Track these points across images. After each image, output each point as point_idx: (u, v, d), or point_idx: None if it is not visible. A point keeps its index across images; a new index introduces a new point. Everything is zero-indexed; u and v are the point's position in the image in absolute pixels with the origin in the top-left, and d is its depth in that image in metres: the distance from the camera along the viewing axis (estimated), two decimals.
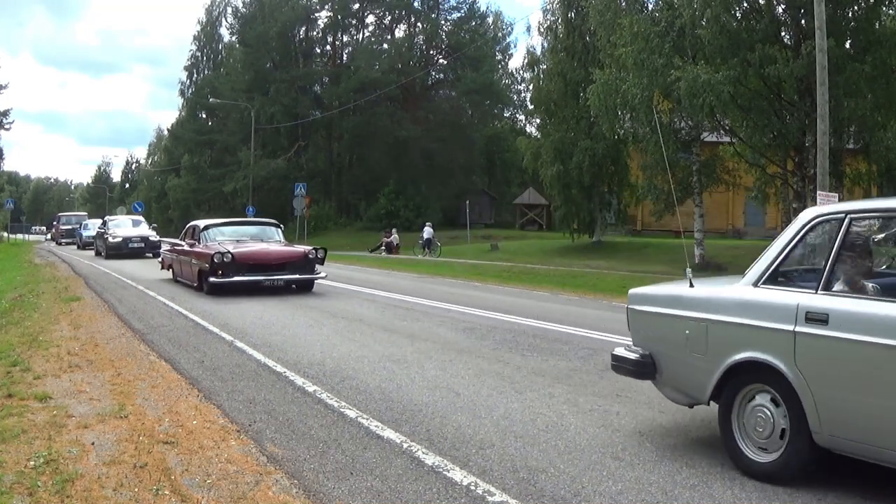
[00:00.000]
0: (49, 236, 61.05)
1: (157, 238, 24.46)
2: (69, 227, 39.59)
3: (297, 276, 12.82)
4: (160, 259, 16.75)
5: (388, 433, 4.55)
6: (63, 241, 38.74)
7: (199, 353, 7.30)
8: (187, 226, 15.34)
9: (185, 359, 6.98)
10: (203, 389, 5.75)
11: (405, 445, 4.31)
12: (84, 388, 5.69)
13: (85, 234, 31.09)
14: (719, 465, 3.96)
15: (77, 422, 4.75)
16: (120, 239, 23.60)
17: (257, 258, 12.69)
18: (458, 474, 3.83)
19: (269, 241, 13.90)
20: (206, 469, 3.92)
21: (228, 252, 12.25)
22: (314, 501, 3.53)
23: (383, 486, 3.70)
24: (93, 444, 4.30)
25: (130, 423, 4.76)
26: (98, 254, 25.08)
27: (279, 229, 14.77)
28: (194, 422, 4.81)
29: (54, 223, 46.50)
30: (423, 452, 4.17)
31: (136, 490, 3.61)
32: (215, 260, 12.05)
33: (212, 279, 12.11)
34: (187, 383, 5.96)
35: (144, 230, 25.53)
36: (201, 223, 14.73)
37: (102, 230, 25.39)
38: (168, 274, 15.77)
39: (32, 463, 3.92)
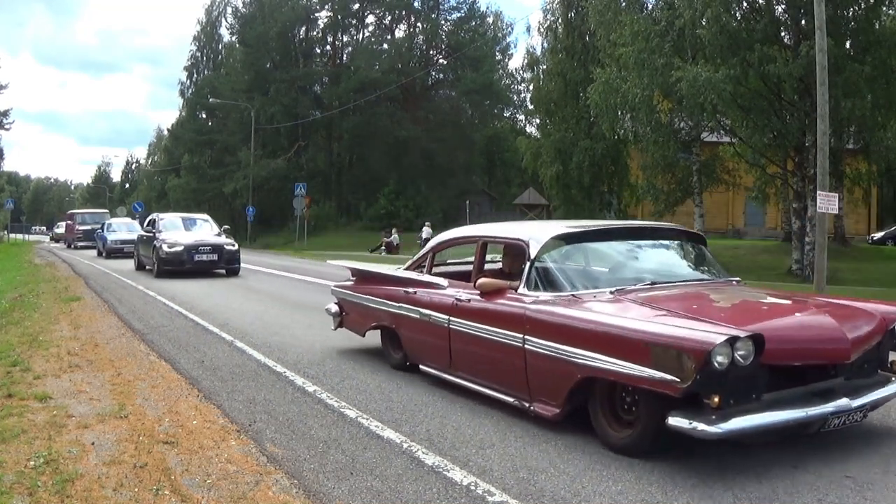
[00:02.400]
0: (51, 237, 60.45)
1: (236, 246, 17.14)
2: (86, 227, 33.59)
3: None
4: (335, 306, 7.43)
5: (388, 433, 4.55)
6: (79, 244, 33.07)
7: (199, 353, 7.30)
8: None
9: (185, 359, 6.98)
10: (203, 389, 5.75)
11: (405, 445, 4.31)
12: (84, 388, 5.69)
13: (110, 237, 24.67)
14: (719, 466, 3.95)
15: (77, 422, 4.75)
16: (181, 248, 16.14)
17: None
18: (458, 474, 3.83)
19: None
20: (206, 469, 3.92)
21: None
22: (314, 501, 3.53)
23: (383, 486, 3.70)
24: (93, 444, 4.30)
25: (130, 423, 4.76)
26: (141, 266, 18.16)
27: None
28: (194, 422, 4.81)
29: (67, 222, 39.98)
30: (423, 452, 4.17)
31: (136, 490, 3.61)
32: None
33: None
34: (187, 383, 5.96)
35: (213, 234, 17.77)
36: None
37: (150, 233, 17.64)
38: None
39: (32, 463, 3.92)
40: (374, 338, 7.72)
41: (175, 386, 5.85)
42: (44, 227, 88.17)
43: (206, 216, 19.69)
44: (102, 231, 26.04)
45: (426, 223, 33.69)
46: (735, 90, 17.07)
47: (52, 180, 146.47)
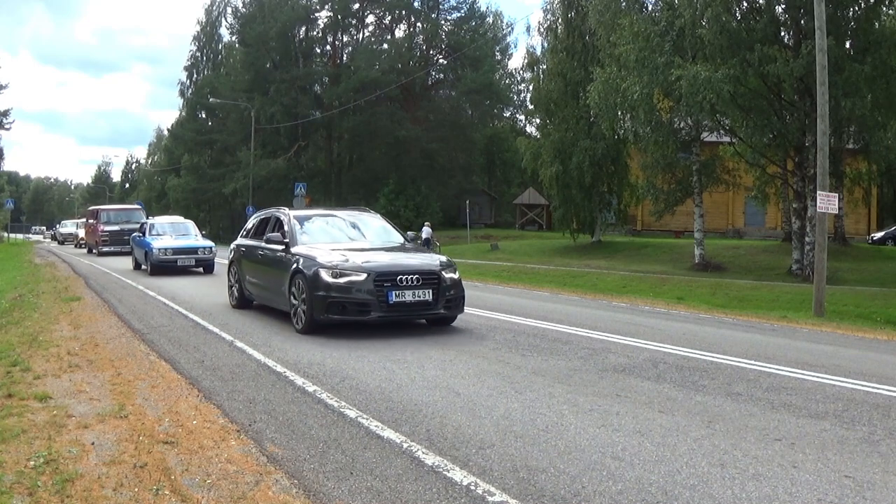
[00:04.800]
0: (52, 236, 59.54)
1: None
2: (113, 227, 26.75)
3: None
4: None
5: (388, 433, 4.55)
6: (104, 249, 26.24)
7: (199, 353, 7.30)
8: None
9: (185, 359, 6.97)
10: (203, 389, 5.74)
11: (405, 445, 4.30)
12: (84, 388, 5.68)
13: (156, 245, 17.35)
14: (719, 466, 3.96)
15: (77, 422, 4.75)
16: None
17: None
18: (458, 474, 3.83)
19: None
20: (206, 469, 3.92)
21: None
22: (314, 501, 3.53)
23: (383, 486, 3.70)
24: (93, 444, 4.30)
25: (130, 423, 4.76)
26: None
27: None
28: (194, 422, 4.81)
29: (88, 221, 31.19)
30: (423, 452, 4.17)
31: (136, 490, 3.61)
32: None
33: None
34: (187, 383, 5.95)
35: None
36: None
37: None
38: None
39: (32, 463, 3.92)
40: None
41: (175, 386, 5.85)
42: (44, 228, 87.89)
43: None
44: (143, 235, 18.55)
45: (426, 223, 33.71)
46: (735, 90, 17.08)
47: (52, 180, 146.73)
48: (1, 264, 22.78)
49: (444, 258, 8.89)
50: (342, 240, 9.47)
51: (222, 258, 17.00)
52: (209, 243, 18.57)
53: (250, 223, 11.34)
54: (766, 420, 4.90)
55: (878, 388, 5.91)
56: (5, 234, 53.14)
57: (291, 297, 8.55)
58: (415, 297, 8.02)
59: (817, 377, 6.33)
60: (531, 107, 40.86)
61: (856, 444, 4.36)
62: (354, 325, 8.52)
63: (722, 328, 9.86)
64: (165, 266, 17.12)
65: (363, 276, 7.92)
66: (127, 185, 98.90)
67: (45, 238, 65.99)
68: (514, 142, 41.15)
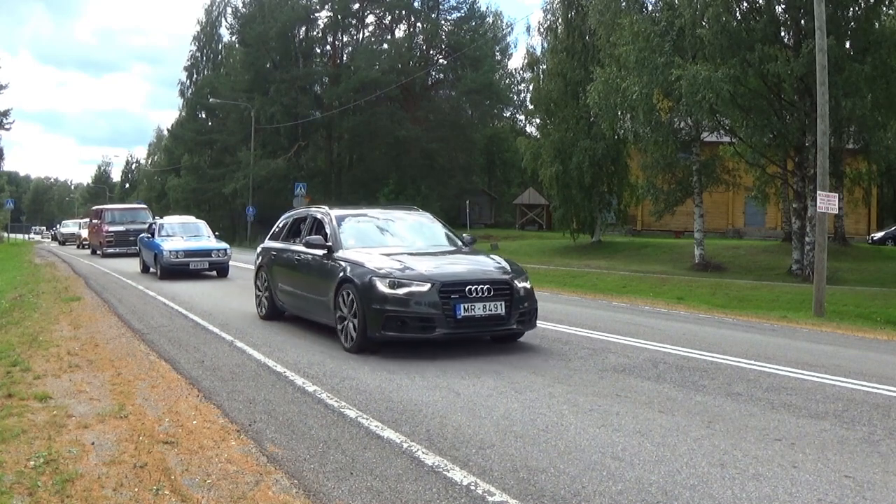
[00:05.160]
0: (52, 236, 59.42)
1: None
2: (118, 228, 25.90)
3: None
4: None
5: (388, 433, 4.55)
6: (108, 250, 25.53)
7: (199, 353, 7.30)
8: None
9: (185, 359, 6.97)
10: (203, 389, 5.74)
11: (405, 445, 4.30)
12: (84, 388, 5.69)
13: (166, 247, 16.30)
14: (719, 466, 3.96)
15: (77, 422, 4.75)
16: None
17: None
18: (458, 474, 3.83)
19: None
20: (206, 469, 3.92)
21: None
22: (314, 501, 3.53)
23: (383, 486, 3.70)
24: (93, 444, 4.30)
25: (130, 423, 4.76)
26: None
27: None
28: (194, 422, 4.81)
29: (92, 221, 30.04)
30: (423, 452, 4.17)
31: (136, 490, 3.61)
32: None
33: None
34: (187, 383, 5.96)
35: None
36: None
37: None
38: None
39: (32, 463, 3.92)
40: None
41: (175, 386, 5.85)
42: (43, 228, 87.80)
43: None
44: (153, 237, 17.43)
45: None
46: (735, 90, 17.08)
47: (52, 180, 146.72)
48: (1, 264, 22.78)
49: (513, 264, 7.78)
50: (391, 243, 8.27)
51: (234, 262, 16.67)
52: (223, 245, 17.35)
53: (280, 223, 10.06)
54: (766, 420, 4.90)
55: (878, 388, 5.91)
56: (5, 235, 53.08)
57: (338, 311, 7.39)
58: (485, 311, 6.91)
59: (817, 377, 6.33)
60: (531, 107, 40.83)
61: (856, 444, 4.36)
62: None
63: (722, 328, 9.86)
64: (176, 269, 16.03)
65: (426, 287, 6.81)
66: (127, 186, 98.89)
67: (44, 238, 65.83)
68: (514, 142, 41.12)
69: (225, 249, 16.92)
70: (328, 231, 8.29)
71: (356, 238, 8.19)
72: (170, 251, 16.16)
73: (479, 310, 6.88)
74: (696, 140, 22.83)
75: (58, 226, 57.03)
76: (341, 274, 7.42)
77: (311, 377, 6.14)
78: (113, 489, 3.61)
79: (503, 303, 7.01)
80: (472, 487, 3.64)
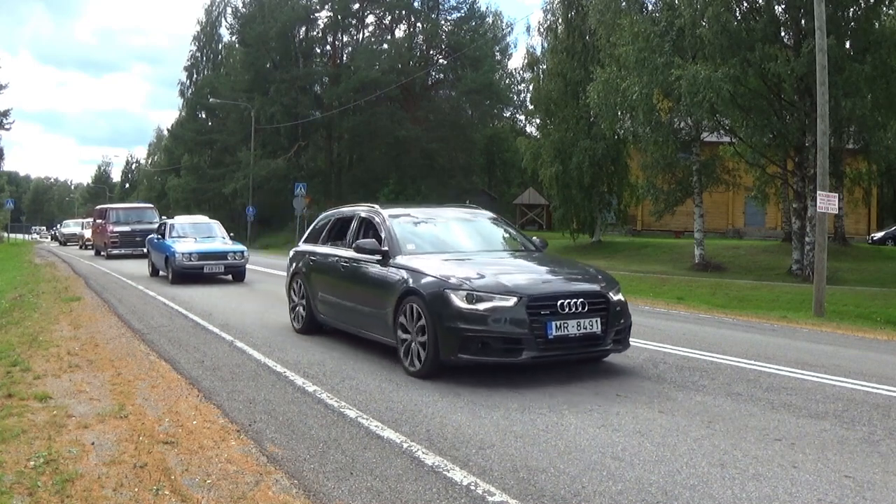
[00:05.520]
0: (52, 236, 59.22)
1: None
2: (124, 228, 24.97)
3: None
4: None
5: (388, 433, 4.55)
6: (113, 251, 24.51)
7: (199, 353, 7.30)
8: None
9: (185, 359, 6.97)
10: (203, 389, 5.74)
11: (405, 445, 4.31)
12: (84, 388, 5.69)
13: (178, 249, 15.26)
14: (719, 466, 3.96)
15: (77, 422, 4.75)
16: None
17: None
18: (458, 474, 3.83)
19: None
20: (206, 469, 3.92)
21: None
22: (314, 501, 3.53)
23: (383, 486, 3.70)
24: (93, 444, 4.30)
25: (130, 423, 4.76)
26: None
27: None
28: (194, 422, 4.81)
29: (96, 221, 28.75)
30: (423, 452, 4.17)
31: (136, 490, 3.61)
32: None
33: None
34: (187, 383, 5.96)
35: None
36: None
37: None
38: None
39: (32, 463, 3.92)
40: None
41: (175, 386, 5.85)
42: (43, 228, 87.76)
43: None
44: (163, 238, 16.50)
45: None
46: (735, 89, 17.08)
47: (52, 180, 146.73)
48: (1, 264, 22.78)
49: (603, 273, 6.84)
50: (456, 247, 7.17)
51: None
52: (240, 247, 16.12)
53: (319, 224, 9.01)
54: (766, 420, 4.90)
55: (878, 388, 5.91)
56: (5, 235, 53.01)
57: (400, 329, 6.31)
58: (580, 330, 5.88)
59: (817, 377, 6.33)
60: (531, 107, 40.83)
61: (856, 444, 4.36)
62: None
63: (722, 328, 9.86)
64: (189, 273, 14.94)
65: (511, 301, 5.76)
66: (127, 186, 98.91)
67: (43, 238, 65.59)
68: (514, 142, 41.12)
69: (242, 252, 15.80)
70: (382, 233, 7.14)
71: (415, 241, 7.09)
72: (182, 253, 15.02)
73: (572, 328, 5.84)
74: (696, 140, 22.83)
75: (58, 226, 56.64)
76: (403, 285, 6.35)
77: (311, 377, 6.14)
78: (113, 489, 3.61)
79: (599, 319, 5.98)
80: (472, 487, 3.64)
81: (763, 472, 3.87)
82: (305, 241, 9.06)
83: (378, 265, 6.89)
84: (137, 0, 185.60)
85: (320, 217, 9.21)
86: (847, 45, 17.69)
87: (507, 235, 7.89)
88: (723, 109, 18.45)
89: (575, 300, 5.90)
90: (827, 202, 12.30)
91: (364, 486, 3.69)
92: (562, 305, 5.82)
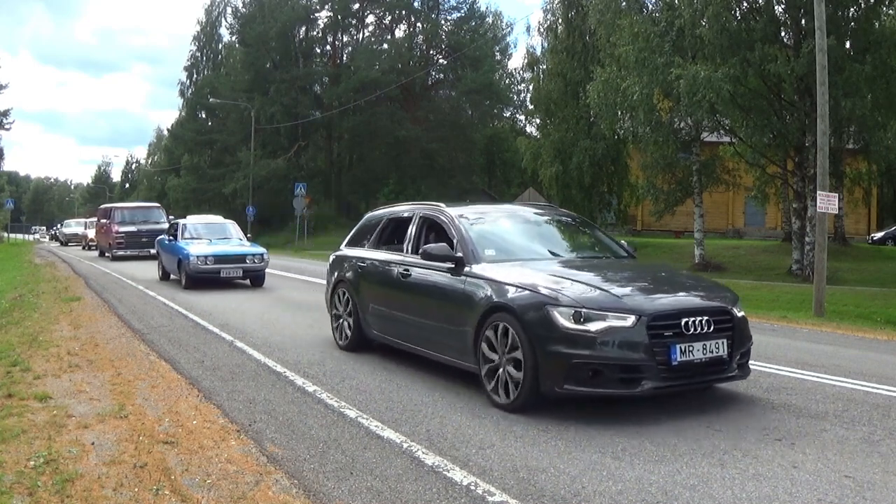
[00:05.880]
0: (52, 236, 58.97)
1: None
2: (129, 228, 23.90)
3: None
4: None
5: (388, 433, 4.55)
6: (118, 252, 23.48)
7: (199, 353, 7.30)
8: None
9: (185, 359, 6.97)
10: (203, 389, 5.74)
11: (405, 445, 4.31)
12: (84, 388, 5.68)
13: (193, 251, 14.10)
14: (719, 466, 3.96)
15: (77, 422, 4.75)
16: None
17: None
18: (458, 474, 3.83)
19: None
20: (206, 469, 3.92)
21: None
22: (314, 501, 3.53)
23: (383, 486, 3.70)
24: (93, 444, 4.30)
25: (130, 423, 4.76)
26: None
27: None
28: (194, 422, 4.81)
29: (100, 220, 27.39)
30: (423, 452, 4.17)
31: (136, 490, 3.61)
32: None
33: None
34: (187, 383, 5.95)
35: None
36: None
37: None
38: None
39: (32, 463, 3.92)
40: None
41: (175, 386, 5.85)
42: (43, 228, 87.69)
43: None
44: (175, 239, 15.37)
45: None
46: (735, 89, 17.08)
47: (52, 180, 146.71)
48: (1, 264, 22.78)
49: (719, 284, 5.99)
50: (540, 252, 6.12)
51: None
52: (260, 249, 14.88)
53: (368, 224, 7.90)
54: (766, 420, 4.90)
55: (878, 388, 5.91)
56: (5, 235, 52.95)
57: (484, 352, 5.30)
58: (705, 353, 4.95)
59: (817, 377, 6.33)
60: (531, 107, 40.82)
61: (856, 444, 4.36)
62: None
63: None
64: (204, 278, 13.87)
65: (629, 320, 4.79)
66: (127, 185, 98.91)
67: (42, 238, 65.32)
68: (514, 142, 41.13)
69: (262, 254, 14.54)
70: (453, 236, 6.07)
71: (494, 246, 6.00)
72: (197, 256, 13.85)
73: (698, 352, 4.91)
74: (696, 140, 22.82)
75: (59, 225, 56.29)
76: (487, 299, 5.35)
77: (311, 377, 6.14)
78: (113, 489, 3.61)
79: (725, 340, 5.08)
80: (472, 487, 3.64)
81: (763, 471, 3.87)
82: (349, 245, 7.99)
83: (449, 274, 5.85)
84: (137, 0, 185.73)
85: (368, 217, 8.11)
86: (847, 45, 17.68)
87: (592, 238, 6.87)
88: (723, 109, 18.45)
89: (700, 318, 4.98)
90: (827, 202, 12.30)
91: (364, 486, 3.69)
92: (686, 325, 4.90)
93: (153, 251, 17.92)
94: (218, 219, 17.66)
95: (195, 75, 64.78)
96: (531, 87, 36.22)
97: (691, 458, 4.06)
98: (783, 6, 18.74)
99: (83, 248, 33.85)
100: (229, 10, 59.74)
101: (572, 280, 5.22)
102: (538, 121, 34.41)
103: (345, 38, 55.52)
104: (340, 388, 5.75)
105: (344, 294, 7.55)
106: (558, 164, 28.12)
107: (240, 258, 14.37)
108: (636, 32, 18.88)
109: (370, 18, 54.93)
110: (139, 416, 4.91)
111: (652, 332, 4.79)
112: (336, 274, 7.79)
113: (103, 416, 4.90)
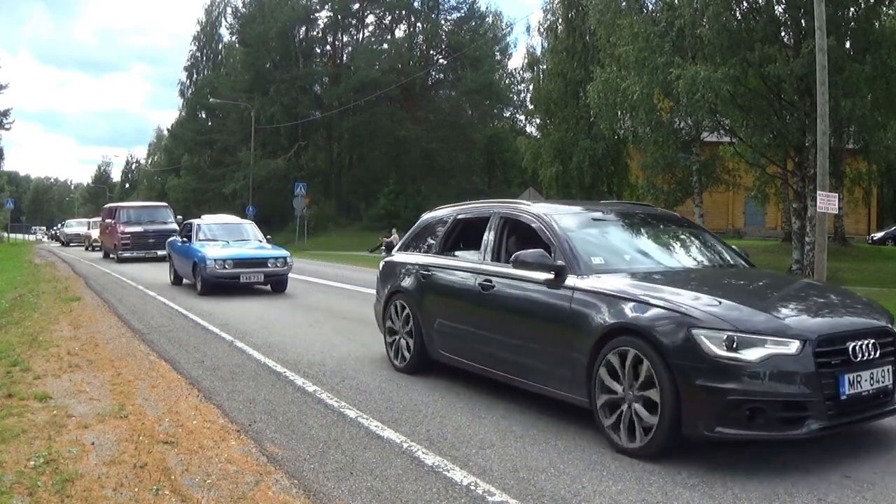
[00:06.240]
0: (51, 236, 58.76)
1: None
2: (136, 229, 22.66)
3: None
4: None
5: (388, 433, 4.55)
6: (124, 254, 22.28)
7: (199, 353, 7.29)
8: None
9: (185, 359, 6.97)
10: (203, 389, 5.74)
11: (405, 445, 4.31)
12: (84, 388, 5.68)
13: (210, 255, 12.81)
14: (719, 466, 3.95)
15: (77, 422, 4.75)
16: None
17: None
18: (458, 474, 3.83)
19: None
20: (206, 469, 3.92)
21: None
22: (314, 501, 3.53)
23: (383, 486, 3.70)
24: (93, 444, 4.30)
25: (130, 423, 4.76)
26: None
27: None
28: (194, 422, 4.81)
29: (105, 220, 25.81)
30: (423, 452, 4.17)
31: (136, 490, 3.61)
32: None
33: None
34: (187, 383, 5.95)
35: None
36: None
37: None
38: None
39: (32, 463, 3.92)
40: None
41: (175, 386, 5.85)
42: (43, 228, 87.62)
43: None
44: (189, 241, 14.10)
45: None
46: (734, 89, 17.06)
47: (52, 180, 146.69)
48: (1, 264, 22.78)
49: (867, 298, 5.02)
50: (655, 262, 5.14)
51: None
52: (282, 252, 13.62)
53: (430, 224, 6.82)
54: None
55: None
56: (5, 235, 52.89)
57: (603, 379, 4.28)
58: (872, 384, 4.03)
59: None
60: (531, 107, 40.82)
61: (856, 444, 4.36)
62: (359, 326, 8.39)
63: None
64: (222, 283, 12.69)
65: (793, 347, 3.87)
66: (127, 185, 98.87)
67: (42, 238, 65.07)
68: (514, 142, 41.14)
69: (285, 258, 13.30)
70: (552, 242, 4.98)
71: (601, 253, 4.97)
72: (215, 259, 12.65)
73: (865, 382, 4.00)
74: (696, 140, 22.84)
75: (59, 225, 56.04)
76: (605, 318, 4.33)
77: (311, 377, 6.14)
78: (113, 489, 3.61)
79: (890, 367, 4.15)
80: (472, 487, 3.64)
81: (763, 472, 3.87)
82: (405, 250, 6.91)
83: (546, 286, 4.80)
84: (137, 0, 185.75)
85: (428, 217, 6.97)
86: (847, 45, 17.67)
87: (706, 243, 5.70)
88: (723, 109, 18.44)
89: (866, 342, 4.06)
90: (827, 202, 12.30)
91: (364, 486, 3.69)
92: (854, 350, 3.99)
93: (160, 253, 16.98)
94: (235, 219, 16.48)
95: (195, 75, 64.80)
96: (531, 87, 36.24)
97: (691, 459, 4.06)
98: (783, 6, 18.72)
99: (86, 248, 33.20)
100: (229, 10, 59.85)
101: (711, 296, 4.22)
102: (538, 121, 34.42)
103: (345, 38, 55.60)
104: (340, 388, 5.75)
105: (403, 308, 6.38)
106: (558, 164, 28.13)
107: (261, 262, 13.13)
108: (636, 32, 18.87)
109: (370, 18, 55.04)
110: (139, 416, 4.91)
111: (819, 359, 3.89)
112: (390, 285, 6.64)
113: (103, 416, 4.90)
